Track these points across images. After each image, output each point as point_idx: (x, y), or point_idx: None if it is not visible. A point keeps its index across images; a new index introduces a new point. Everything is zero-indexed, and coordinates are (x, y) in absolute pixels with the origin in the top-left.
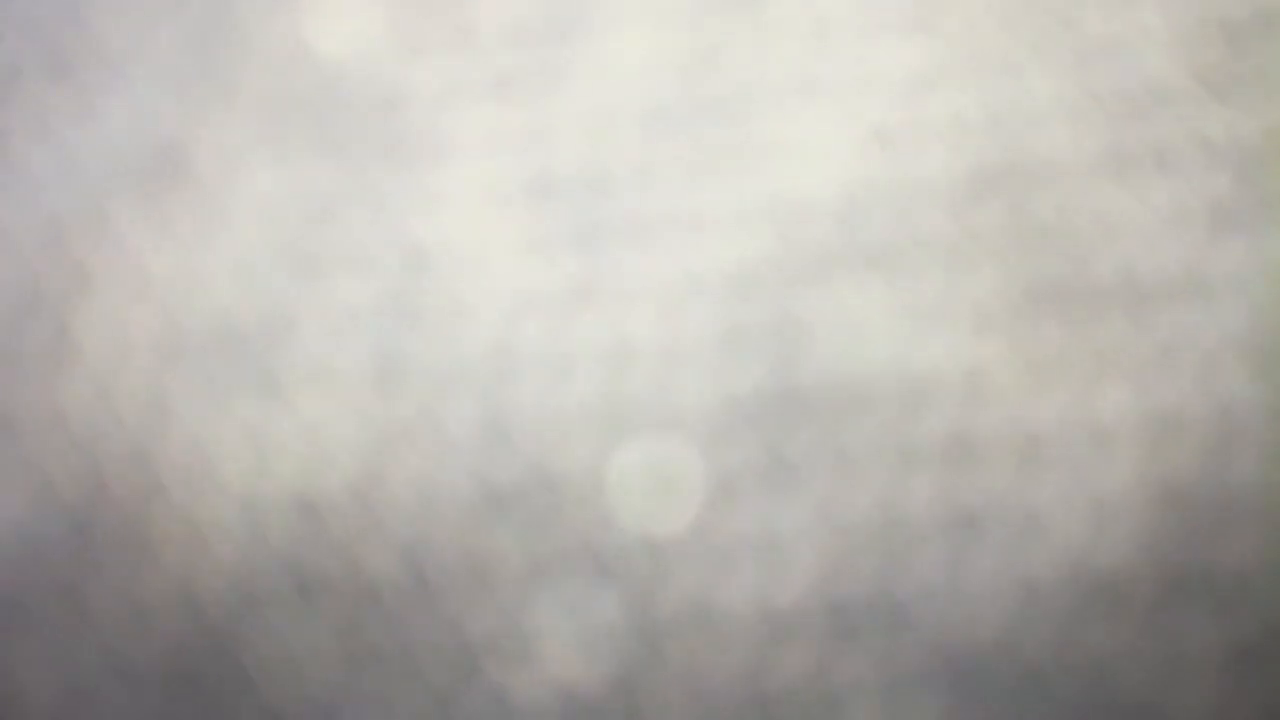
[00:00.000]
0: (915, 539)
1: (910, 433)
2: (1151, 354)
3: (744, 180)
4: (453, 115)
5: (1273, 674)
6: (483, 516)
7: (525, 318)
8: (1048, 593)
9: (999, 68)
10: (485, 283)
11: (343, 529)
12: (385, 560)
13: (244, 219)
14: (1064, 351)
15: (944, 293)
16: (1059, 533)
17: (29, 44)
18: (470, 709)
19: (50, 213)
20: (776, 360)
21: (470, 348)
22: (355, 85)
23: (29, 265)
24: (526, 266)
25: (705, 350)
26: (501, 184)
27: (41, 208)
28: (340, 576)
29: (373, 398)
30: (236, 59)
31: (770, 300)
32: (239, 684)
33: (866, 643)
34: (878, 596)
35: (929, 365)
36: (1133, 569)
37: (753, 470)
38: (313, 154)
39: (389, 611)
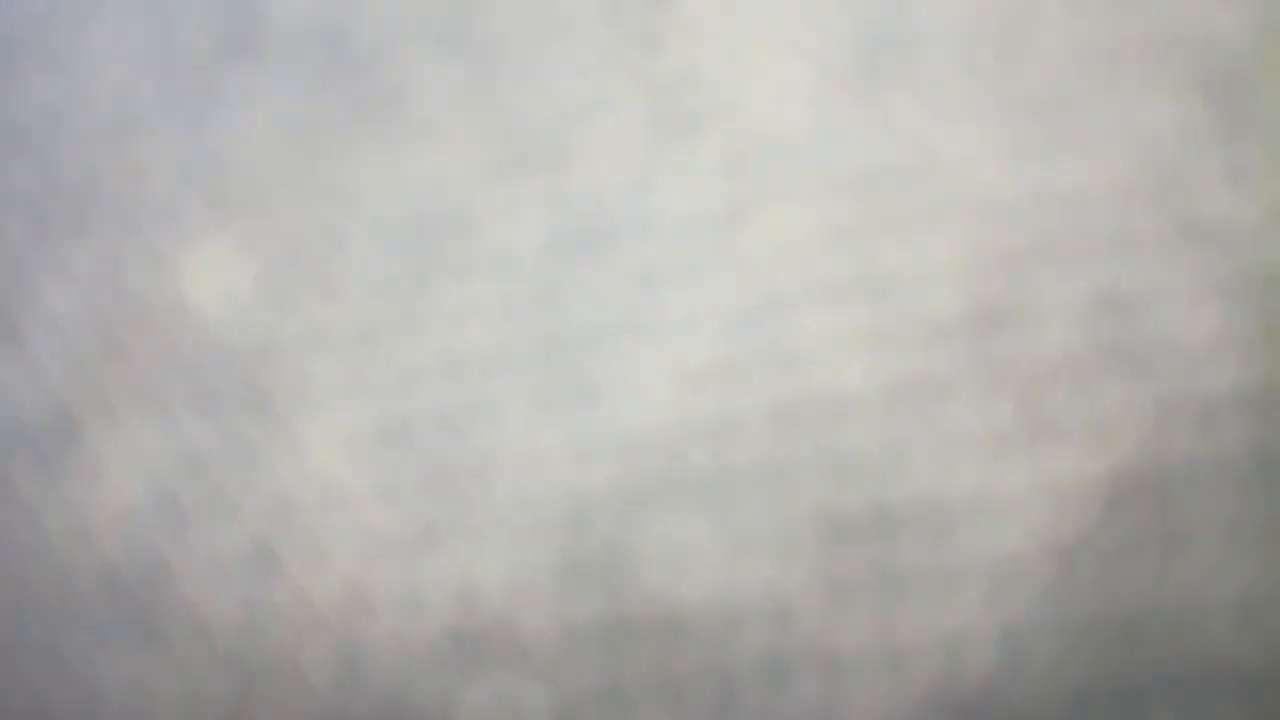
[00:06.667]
0: None
1: (728, 657)
2: (942, 576)
3: (578, 418)
4: (317, 364)
5: None
6: None
7: (379, 558)
8: None
9: (799, 305)
10: (342, 526)
11: None
12: None
13: (126, 474)
14: (864, 575)
15: (756, 522)
16: None
17: None
18: None
19: None
20: (610, 590)
21: (327, 590)
22: (229, 339)
23: None
24: (381, 509)
25: (545, 583)
26: (360, 430)
27: None
28: None
29: (239, 642)
30: (124, 321)
31: (603, 533)
32: None
33: None
34: None
35: (744, 591)
36: None
37: (590, 698)
38: (188, 408)
39: None
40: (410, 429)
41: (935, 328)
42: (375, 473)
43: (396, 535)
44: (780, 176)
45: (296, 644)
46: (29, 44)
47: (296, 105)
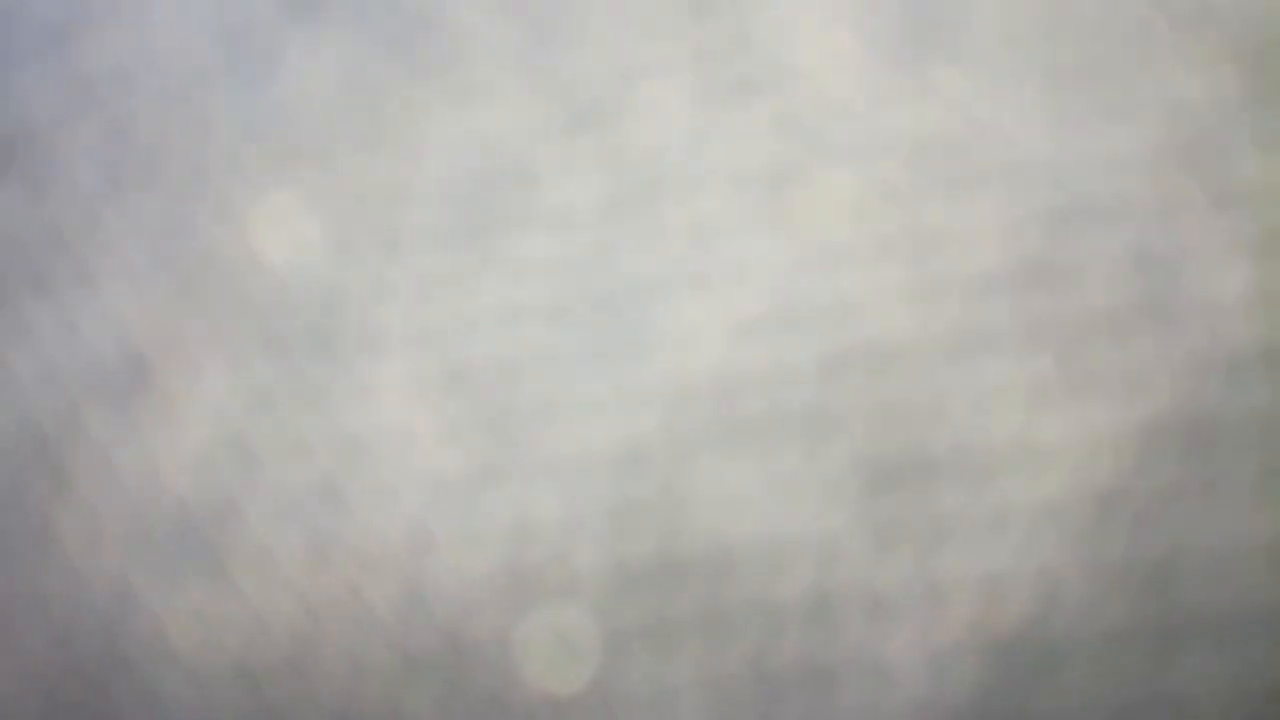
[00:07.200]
0: (782, 691)
1: (775, 594)
2: (982, 520)
3: (632, 367)
4: (382, 312)
5: None
6: (402, 681)
7: (440, 497)
8: None
9: (846, 260)
10: (405, 466)
11: (279, 696)
12: None
13: (197, 416)
14: (906, 519)
15: (802, 467)
16: (904, 682)
17: (13, 262)
18: None
19: (31, 416)
20: (661, 531)
21: (391, 527)
22: (296, 287)
23: (11, 464)
24: (442, 450)
25: (599, 523)
26: (423, 375)
27: (22, 411)
28: None
29: (306, 577)
30: (194, 270)
31: (655, 476)
32: None
33: None
34: None
35: (790, 533)
36: (968, 712)
37: (641, 632)
38: (257, 353)
39: None
40: (470, 375)
41: (978, 284)
42: (437, 416)
43: (457, 475)
44: (829, 139)
45: (361, 579)
46: (100, 4)
47: (360, 64)
